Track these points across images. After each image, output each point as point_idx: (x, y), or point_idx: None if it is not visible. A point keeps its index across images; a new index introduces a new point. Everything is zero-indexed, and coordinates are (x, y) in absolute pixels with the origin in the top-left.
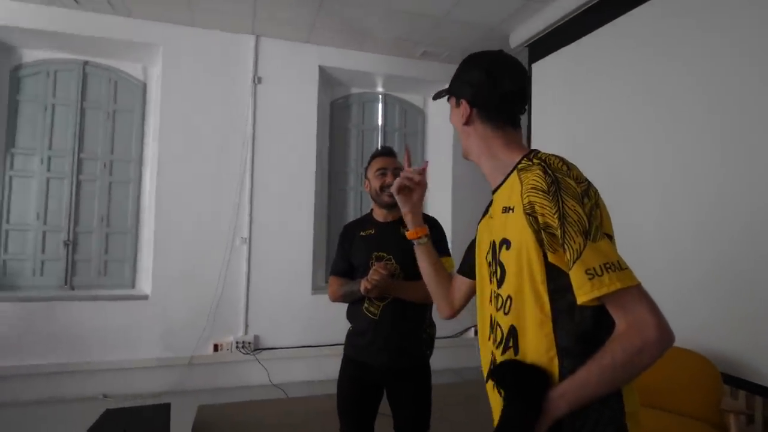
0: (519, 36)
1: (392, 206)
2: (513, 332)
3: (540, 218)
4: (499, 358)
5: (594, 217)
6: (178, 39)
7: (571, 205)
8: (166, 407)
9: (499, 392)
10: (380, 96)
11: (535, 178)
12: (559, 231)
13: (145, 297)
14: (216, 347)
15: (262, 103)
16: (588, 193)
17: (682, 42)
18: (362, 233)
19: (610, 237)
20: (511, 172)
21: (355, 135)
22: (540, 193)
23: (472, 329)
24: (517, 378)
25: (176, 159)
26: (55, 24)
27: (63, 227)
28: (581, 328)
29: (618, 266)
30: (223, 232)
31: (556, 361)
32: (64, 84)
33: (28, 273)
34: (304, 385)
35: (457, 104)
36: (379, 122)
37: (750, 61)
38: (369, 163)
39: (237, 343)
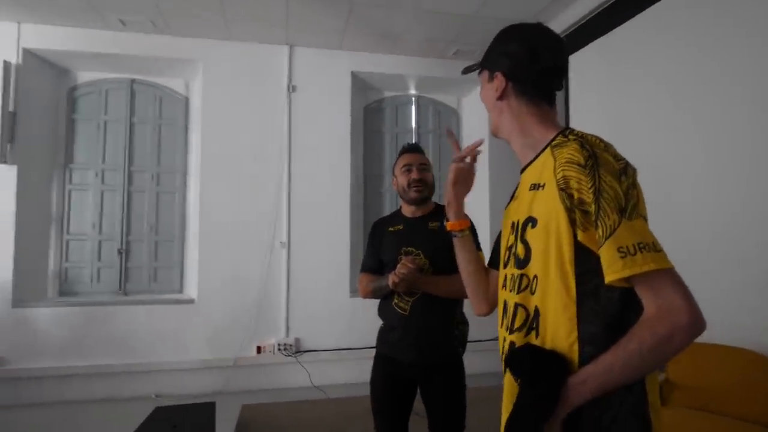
0: (554, 27)
1: (419, 202)
2: (538, 313)
3: (575, 194)
4: (520, 341)
5: (631, 195)
6: (216, 53)
7: (608, 180)
8: (211, 406)
9: (515, 380)
10: (413, 98)
11: (571, 152)
12: (593, 206)
13: (191, 301)
14: (259, 349)
15: (297, 110)
16: (626, 171)
17: (721, 24)
18: (391, 229)
19: (645, 219)
20: (545, 148)
21: (389, 139)
22: (576, 167)
23: None
24: (535, 363)
25: (217, 168)
26: (105, 46)
27: (116, 236)
28: (607, 312)
29: (653, 247)
30: (263, 237)
31: (576, 347)
32: (115, 102)
33: (86, 280)
34: (345, 387)
35: (491, 78)
36: (413, 125)
37: None
38: (396, 161)
39: (279, 345)
